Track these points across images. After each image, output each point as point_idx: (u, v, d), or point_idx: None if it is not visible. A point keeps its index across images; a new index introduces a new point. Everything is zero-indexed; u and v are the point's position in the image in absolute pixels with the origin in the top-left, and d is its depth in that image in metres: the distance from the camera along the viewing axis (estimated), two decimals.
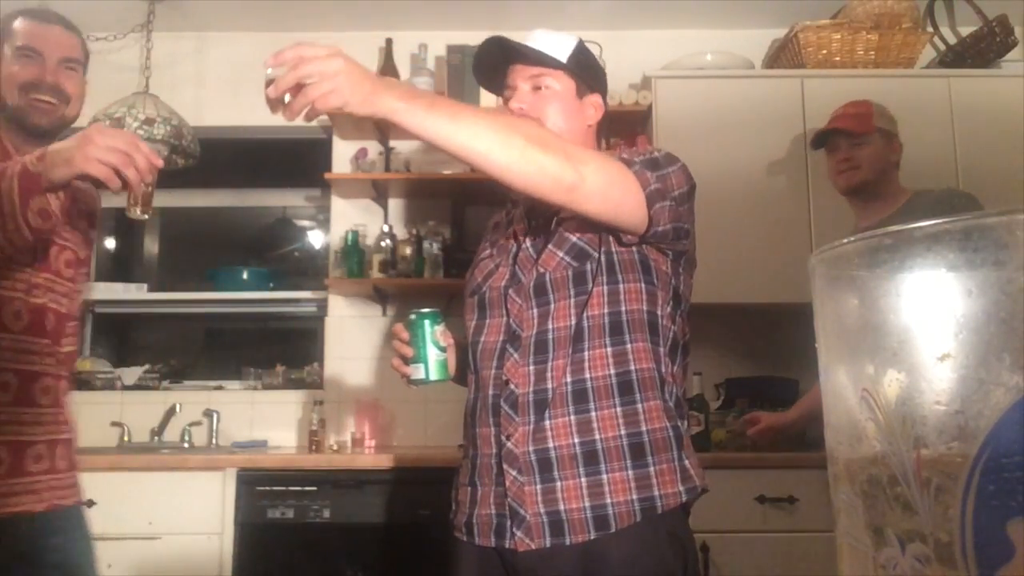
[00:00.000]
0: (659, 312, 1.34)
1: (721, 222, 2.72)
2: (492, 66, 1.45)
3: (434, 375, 1.40)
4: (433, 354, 1.39)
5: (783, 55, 2.99)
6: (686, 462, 1.31)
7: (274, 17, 3.20)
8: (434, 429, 3.08)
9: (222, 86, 3.30)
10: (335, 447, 2.87)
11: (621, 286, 1.32)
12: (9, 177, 1.18)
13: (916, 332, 0.36)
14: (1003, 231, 0.33)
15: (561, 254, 1.34)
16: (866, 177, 2.18)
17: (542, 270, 1.35)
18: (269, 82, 1.05)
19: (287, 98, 1.06)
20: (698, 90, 2.89)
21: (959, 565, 0.33)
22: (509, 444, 1.31)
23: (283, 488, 2.47)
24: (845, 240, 0.39)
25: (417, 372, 1.40)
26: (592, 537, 1.25)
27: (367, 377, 3.14)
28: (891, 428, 0.36)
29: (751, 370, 2.99)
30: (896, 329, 0.37)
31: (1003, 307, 0.33)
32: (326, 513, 2.45)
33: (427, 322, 1.40)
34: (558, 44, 1.42)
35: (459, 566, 1.38)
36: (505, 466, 1.31)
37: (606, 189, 1.21)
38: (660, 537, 1.27)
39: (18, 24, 1.48)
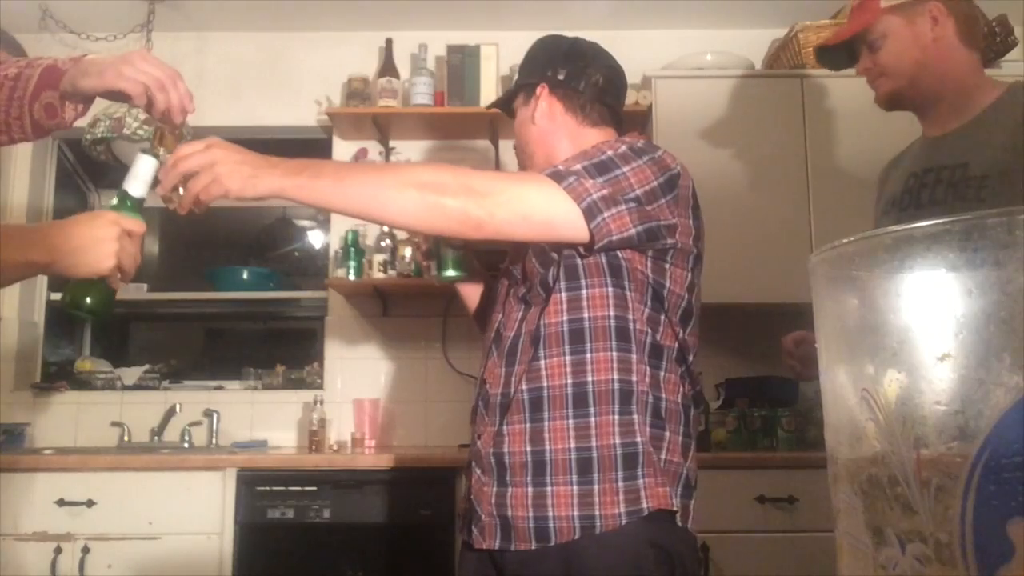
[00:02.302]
0: (631, 317, 1.27)
1: (721, 222, 2.71)
2: None
3: (449, 272, 1.47)
4: (448, 252, 1.46)
5: (783, 55, 2.99)
6: (640, 482, 1.22)
7: (274, 17, 3.20)
8: (434, 429, 3.08)
9: (222, 86, 3.29)
10: (335, 447, 2.87)
11: (584, 292, 1.27)
12: (35, 66, 1.18)
13: (916, 332, 0.36)
14: (1003, 231, 0.33)
15: (533, 259, 1.33)
16: (897, 84, 1.51)
17: (525, 275, 1.36)
18: (156, 182, 1.13)
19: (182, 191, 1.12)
20: (698, 90, 2.89)
21: (959, 565, 0.33)
22: (479, 443, 1.34)
23: (283, 488, 2.47)
24: (845, 240, 0.39)
25: (433, 268, 1.50)
26: (533, 547, 1.24)
27: (367, 377, 3.14)
28: (891, 428, 0.36)
29: (751, 370, 2.99)
30: (896, 329, 0.36)
31: (1003, 307, 0.33)
32: (326, 513, 2.45)
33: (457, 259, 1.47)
34: (506, 83, 1.48)
35: (461, 562, 1.40)
36: (473, 464, 1.34)
37: (524, 215, 1.18)
38: (640, 545, 1.22)
39: None
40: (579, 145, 1.40)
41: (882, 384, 0.37)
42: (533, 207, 1.19)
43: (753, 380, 2.93)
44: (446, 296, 3.01)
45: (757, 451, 2.68)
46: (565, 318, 1.28)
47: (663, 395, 1.28)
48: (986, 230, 0.34)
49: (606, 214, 1.19)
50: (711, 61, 2.99)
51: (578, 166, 1.22)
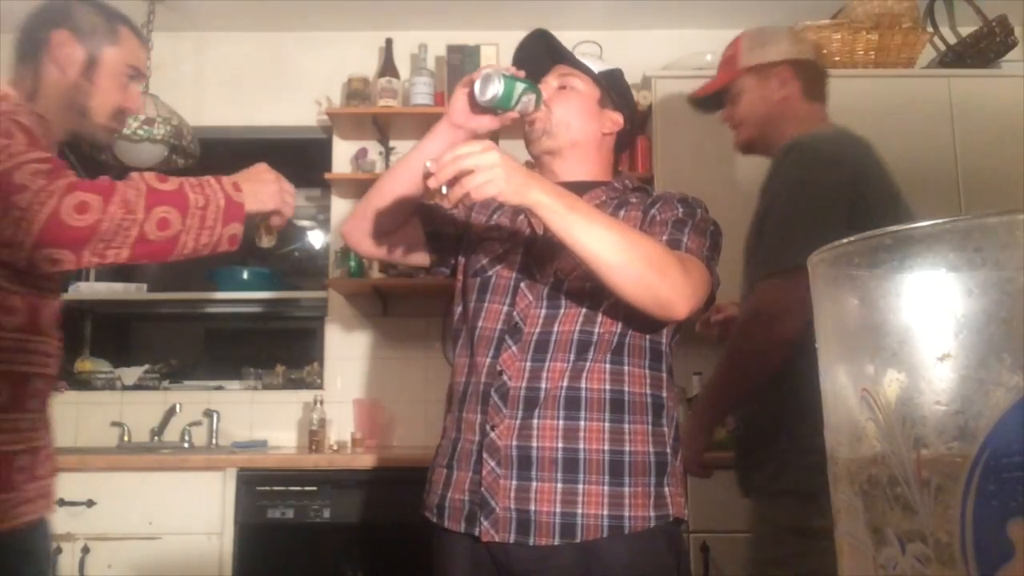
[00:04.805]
0: (663, 340, 1.39)
1: (721, 222, 2.70)
2: (533, 57, 1.48)
3: (501, 100, 1.34)
4: (518, 88, 1.34)
5: None
6: (666, 489, 1.32)
7: (274, 17, 3.20)
8: (434, 429, 3.05)
9: (222, 86, 3.29)
10: (335, 447, 2.87)
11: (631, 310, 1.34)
12: (216, 198, 1.29)
13: (916, 332, 0.36)
14: (1003, 231, 0.33)
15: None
16: (750, 134, 1.76)
17: (561, 276, 1.36)
18: (427, 174, 1.14)
19: (444, 189, 1.14)
20: None
21: (959, 565, 0.33)
22: (493, 435, 1.32)
23: (283, 488, 2.47)
24: (845, 240, 0.39)
25: (496, 85, 1.32)
26: (556, 543, 1.26)
27: (367, 377, 3.14)
28: (891, 428, 0.36)
29: None
30: (896, 329, 0.36)
31: (1003, 307, 0.33)
32: (326, 513, 2.45)
33: (529, 89, 1.36)
34: (596, 62, 1.50)
35: (450, 556, 1.37)
36: (485, 455, 1.32)
37: (698, 305, 1.28)
38: (660, 548, 1.30)
39: (126, 34, 1.46)
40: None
41: (882, 384, 0.37)
42: (703, 297, 1.29)
43: None
44: (446, 297, 3.01)
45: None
46: (615, 329, 1.34)
47: (676, 411, 1.40)
48: (986, 230, 0.34)
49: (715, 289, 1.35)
50: (711, 61, 2.99)
51: (707, 247, 1.35)
